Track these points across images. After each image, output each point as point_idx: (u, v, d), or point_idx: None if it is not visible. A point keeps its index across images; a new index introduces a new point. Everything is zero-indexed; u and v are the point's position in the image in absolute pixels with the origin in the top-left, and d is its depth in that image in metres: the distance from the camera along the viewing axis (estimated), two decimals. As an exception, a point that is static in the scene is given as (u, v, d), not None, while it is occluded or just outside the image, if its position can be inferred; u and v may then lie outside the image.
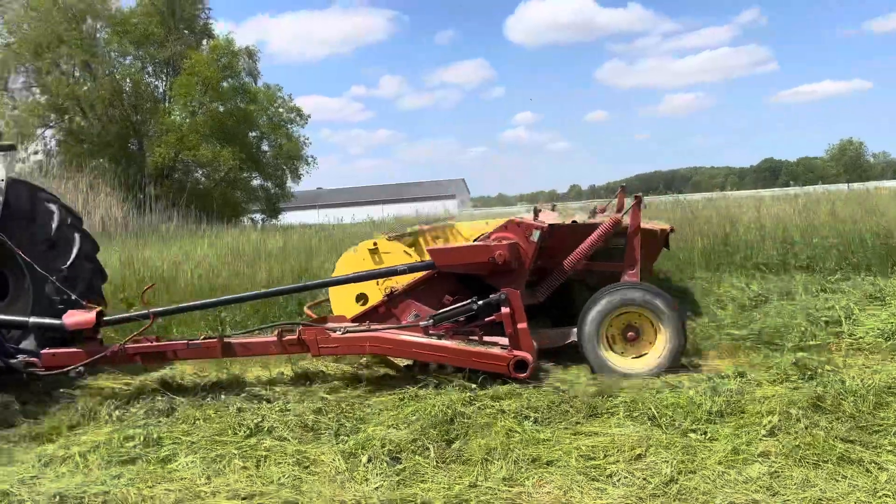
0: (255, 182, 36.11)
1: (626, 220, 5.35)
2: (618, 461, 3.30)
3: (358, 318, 5.40)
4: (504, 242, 5.27)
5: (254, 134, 34.92)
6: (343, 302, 5.95)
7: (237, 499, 3.13)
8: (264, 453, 3.60)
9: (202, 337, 5.13)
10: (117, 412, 4.40)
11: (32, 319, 5.18)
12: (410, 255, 6.13)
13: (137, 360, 5.06)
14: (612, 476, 3.17)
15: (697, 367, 5.02)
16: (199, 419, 4.16)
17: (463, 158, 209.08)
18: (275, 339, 4.99)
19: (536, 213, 5.88)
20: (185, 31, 33.06)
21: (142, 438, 3.86)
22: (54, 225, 5.67)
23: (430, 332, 4.95)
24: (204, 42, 33.88)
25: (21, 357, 4.96)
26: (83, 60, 29.66)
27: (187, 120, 30.97)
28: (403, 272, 5.46)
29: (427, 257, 5.53)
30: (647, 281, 5.51)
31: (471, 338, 4.93)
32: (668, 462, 3.22)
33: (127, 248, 10.52)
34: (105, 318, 5.14)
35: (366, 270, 5.70)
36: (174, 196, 25.58)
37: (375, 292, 5.77)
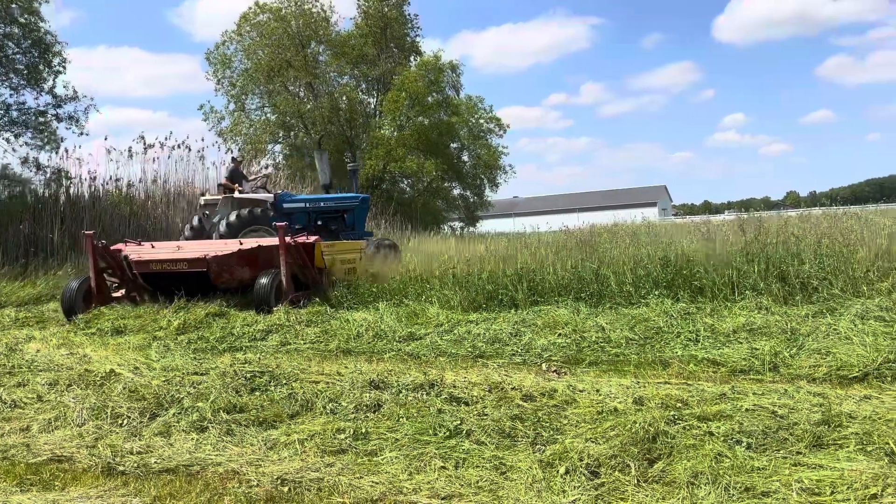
0: (455, 191, 37.43)
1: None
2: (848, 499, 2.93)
3: None
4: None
5: (455, 145, 36.20)
6: None
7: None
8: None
9: None
10: (331, 405, 4.71)
11: None
12: None
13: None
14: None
15: None
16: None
17: (666, 165, 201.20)
18: None
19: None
20: (396, 50, 35.19)
21: (351, 432, 4.12)
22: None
23: None
24: (412, 59, 35.77)
25: None
26: (307, 82, 32.75)
27: (395, 134, 32.91)
28: None
29: None
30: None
31: None
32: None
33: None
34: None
35: None
36: (382, 205, 27.29)
37: None
